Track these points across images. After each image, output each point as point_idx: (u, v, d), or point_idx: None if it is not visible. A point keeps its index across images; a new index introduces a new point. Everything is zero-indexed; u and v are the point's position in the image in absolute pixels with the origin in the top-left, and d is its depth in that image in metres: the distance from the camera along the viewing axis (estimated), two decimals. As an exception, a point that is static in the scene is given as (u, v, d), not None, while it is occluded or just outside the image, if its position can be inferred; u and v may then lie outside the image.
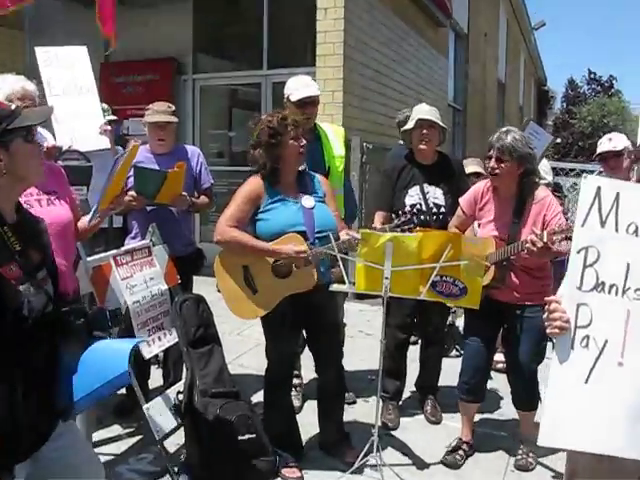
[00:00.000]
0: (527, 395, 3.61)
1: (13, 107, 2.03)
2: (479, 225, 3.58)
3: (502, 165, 3.37)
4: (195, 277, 4.35)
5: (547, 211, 3.37)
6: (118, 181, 3.09)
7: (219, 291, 3.45)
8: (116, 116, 5.81)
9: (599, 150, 3.97)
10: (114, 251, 3.50)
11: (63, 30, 7.60)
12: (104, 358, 2.18)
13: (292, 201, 3.34)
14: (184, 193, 3.93)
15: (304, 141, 3.36)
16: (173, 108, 4.14)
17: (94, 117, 4.40)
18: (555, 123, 34.65)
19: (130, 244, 3.82)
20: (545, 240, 3.06)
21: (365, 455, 3.35)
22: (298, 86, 4.03)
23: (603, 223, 1.85)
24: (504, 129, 3.53)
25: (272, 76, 8.64)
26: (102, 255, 3.44)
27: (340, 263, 3.08)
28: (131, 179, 3.76)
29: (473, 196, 3.63)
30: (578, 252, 1.88)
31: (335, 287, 3.22)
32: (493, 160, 3.39)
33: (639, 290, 1.85)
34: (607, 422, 1.89)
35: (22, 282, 1.90)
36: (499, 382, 4.34)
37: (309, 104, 3.99)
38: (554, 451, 3.78)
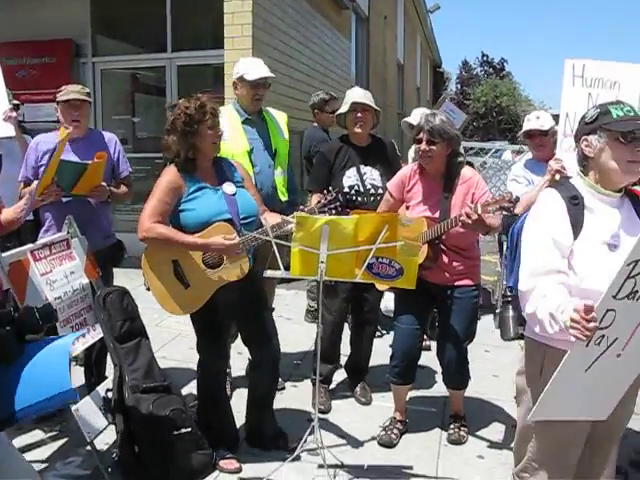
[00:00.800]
0: (458, 374, 3.69)
1: None
2: (407, 208, 3.61)
3: (433, 147, 3.41)
4: (115, 269, 4.18)
5: (476, 189, 3.46)
6: (50, 171, 2.92)
7: (148, 289, 3.29)
8: (18, 101, 5.46)
9: (527, 127, 4.03)
10: (30, 245, 3.30)
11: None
12: (46, 370, 2.04)
13: (213, 189, 3.24)
14: (103, 183, 3.76)
15: (221, 130, 3.26)
16: (87, 90, 3.93)
17: None
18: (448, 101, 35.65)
19: (45, 238, 3.60)
20: (480, 212, 3.13)
21: (305, 440, 3.33)
22: (253, 66, 4.03)
23: None
24: (429, 112, 3.59)
25: (177, 59, 8.38)
26: (18, 250, 3.23)
27: (275, 248, 3.02)
28: (42, 169, 3.54)
29: (400, 180, 3.65)
30: (628, 265, 1.87)
31: (269, 273, 3.16)
32: (424, 143, 3.42)
33: None
34: (588, 395, 2.05)
35: None
36: (427, 360, 4.42)
37: (262, 85, 3.99)
38: (486, 425, 3.92)
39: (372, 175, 4.04)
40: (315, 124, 5.94)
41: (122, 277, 4.22)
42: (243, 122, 4.02)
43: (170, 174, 3.21)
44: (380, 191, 3.99)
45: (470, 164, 6.51)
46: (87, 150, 3.75)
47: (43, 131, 4.14)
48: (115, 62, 8.95)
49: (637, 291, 1.91)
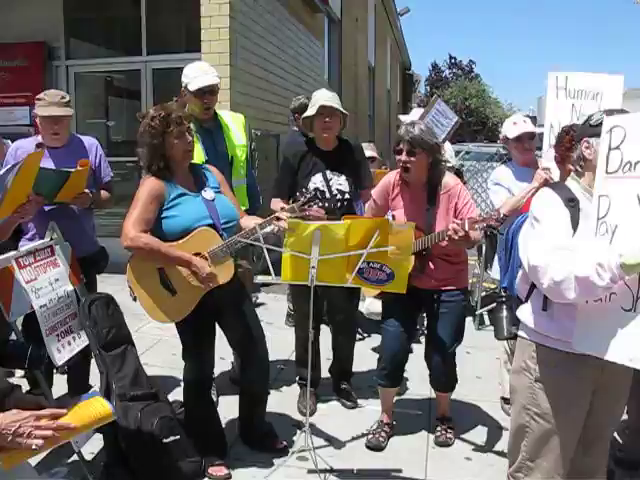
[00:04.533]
0: (446, 377, 3.72)
1: None
2: (393, 217, 3.62)
3: (413, 158, 3.42)
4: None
5: (458, 199, 3.48)
6: (21, 189, 2.87)
7: (135, 299, 3.25)
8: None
9: (519, 131, 3.96)
10: (14, 252, 3.24)
11: None
12: None
13: (193, 194, 3.23)
14: (86, 190, 3.71)
15: (190, 138, 3.21)
16: (67, 98, 3.84)
17: None
18: (420, 105, 35.90)
19: (28, 245, 3.55)
20: (467, 229, 3.15)
21: (293, 444, 3.34)
22: (196, 74, 3.88)
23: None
24: (409, 122, 3.59)
25: (152, 62, 8.25)
26: (2, 257, 3.16)
27: (265, 254, 3.02)
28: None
29: (384, 187, 3.66)
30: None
31: (260, 278, 3.18)
32: (404, 154, 3.43)
33: None
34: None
35: None
36: (410, 363, 4.44)
37: (208, 93, 3.88)
38: (471, 427, 3.96)
39: (339, 180, 3.99)
40: (295, 128, 5.92)
41: (100, 282, 4.16)
42: (196, 131, 3.77)
43: (151, 182, 3.18)
44: (347, 196, 3.98)
45: (459, 172, 6.55)
46: (66, 157, 3.70)
47: (15, 135, 4.08)
48: (89, 65, 8.81)
49: (630, 162, 2.00)
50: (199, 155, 3.82)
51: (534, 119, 4.49)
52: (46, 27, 8.44)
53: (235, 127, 4.14)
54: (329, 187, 3.96)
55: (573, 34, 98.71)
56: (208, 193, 3.27)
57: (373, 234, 3.01)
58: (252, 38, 8.22)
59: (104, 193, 4.00)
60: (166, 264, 3.16)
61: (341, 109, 3.97)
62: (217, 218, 3.22)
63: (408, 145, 3.40)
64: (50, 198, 3.56)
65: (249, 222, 3.28)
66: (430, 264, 3.51)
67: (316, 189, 3.69)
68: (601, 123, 2.18)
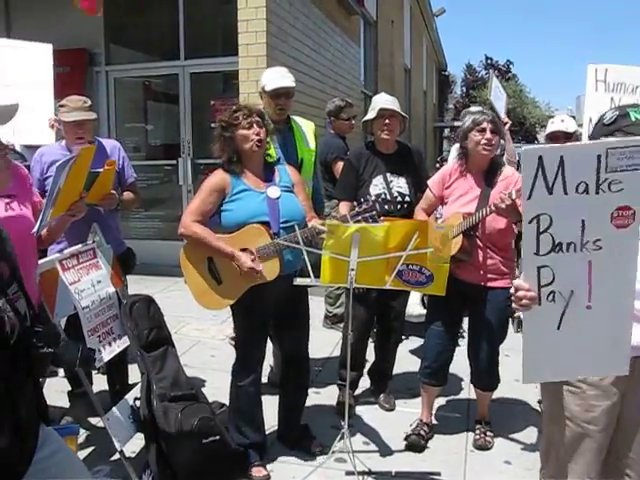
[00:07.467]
0: (489, 376, 3.70)
1: None
2: (445, 204, 3.66)
3: (497, 137, 3.52)
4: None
5: (515, 186, 3.43)
6: (74, 186, 2.91)
7: (186, 282, 3.39)
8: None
9: (552, 129, 4.03)
10: (57, 255, 3.31)
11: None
12: None
13: (257, 191, 3.31)
14: (113, 191, 3.76)
15: (257, 129, 3.31)
16: (89, 103, 3.90)
17: (42, 112, 4.18)
18: (456, 106, 35.72)
19: (55, 248, 3.62)
20: (514, 197, 3.14)
21: (331, 446, 3.35)
22: (274, 76, 4.03)
23: (550, 190, 1.84)
24: (473, 109, 3.63)
25: (190, 66, 8.38)
26: (46, 260, 3.24)
27: (305, 256, 3.05)
28: (49, 180, 3.52)
29: (442, 177, 3.69)
30: (530, 222, 1.87)
31: (299, 281, 3.19)
32: (489, 132, 3.48)
33: (598, 241, 1.88)
34: (583, 351, 2.00)
35: None
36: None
37: (283, 95, 3.98)
38: (510, 430, 3.92)
39: (399, 183, 4.02)
40: (331, 131, 5.93)
41: (136, 284, 4.22)
42: (270, 131, 4.01)
43: (217, 176, 3.35)
44: (407, 199, 4.00)
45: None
46: (92, 160, 3.75)
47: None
48: (128, 70, 8.95)
49: (561, 243, 1.89)
50: (271, 154, 3.88)
51: (573, 119, 4.44)
52: (87, 34, 8.62)
53: (306, 132, 4.22)
54: (390, 190, 3.99)
55: (619, 43, 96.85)
56: (274, 191, 3.33)
57: (412, 236, 3.00)
58: (289, 41, 8.26)
59: (129, 194, 4.05)
60: (214, 254, 3.28)
61: (401, 112, 4.02)
62: (276, 217, 3.27)
63: (492, 124, 3.48)
64: None
65: (314, 224, 3.32)
66: (479, 253, 3.49)
67: (377, 195, 3.71)
68: (615, 121, 2.15)
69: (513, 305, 1.96)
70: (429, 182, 3.77)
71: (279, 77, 4.02)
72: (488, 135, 3.48)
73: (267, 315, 3.46)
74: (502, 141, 4.17)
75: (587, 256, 1.89)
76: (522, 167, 1.84)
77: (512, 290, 1.94)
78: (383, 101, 4.03)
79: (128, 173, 4.09)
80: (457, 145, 3.82)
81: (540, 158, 1.82)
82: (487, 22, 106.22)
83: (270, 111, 3.98)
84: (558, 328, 1.95)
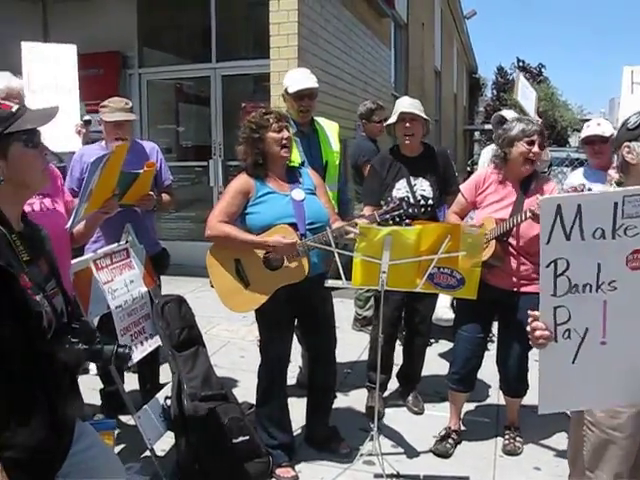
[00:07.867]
0: (518, 382, 3.67)
1: (15, 108, 1.88)
2: (477, 208, 3.64)
3: (543, 152, 3.52)
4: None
5: (551, 194, 3.40)
6: (108, 183, 2.95)
7: (212, 286, 3.40)
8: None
9: (587, 133, 3.95)
10: (91, 254, 3.36)
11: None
12: None
13: (281, 194, 3.33)
14: (151, 192, 3.80)
15: (287, 133, 3.33)
16: (130, 104, 3.97)
17: (68, 118, 4.22)
18: (486, 109, 35.41)
19: (91, 248, 3.66)
20: None
21: (359, 448, 3.35)
22: (297, 78, 4.05)
23: (568, 237, 1.89)
24: (516, 117, 3.60)
25: (221, 69, 8.45)
26: (81, 259, 3.30)
27: (336, 258, 3.06)
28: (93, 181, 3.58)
29: (475, 183, 3.66)
30: (547, 266, 1.95)
31: (330, 283, 3.20)
32: (537, 145, 3.44)
33: (613, 282, 1.91)
34: (599, 383, 2.01)
35: (35, 294, 1.79)
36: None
37: (306, 96, 3.99)
38: (539, 436, 3.88)
39: (422, 186, 4.00)
40: (363, 133, 5.93)
41: (167, 284, 4.26)
42: (294, 134, 3.95)
43: (242, 179, 3.36)
44: (430, 202, 3.98)
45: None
46: (131, 161, 3.80)
47: (95, 141, 4.23)
48: (161, 73, 9.07)
49: (577, 285, 1.92)
50: (295, 157, 3.91)
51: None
52: (121, 37, 8.75)
53: (330, 134, 4.23)
54: (413, 193, 3.98)
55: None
56: (298, 193, 3.35)
57: (444, 239, 3.00)
58: (320, 44, 8.28)
59: (166, 196, 4.10)
60: (243, 255, 3.28)
61: (422, 115, 3.99)
62: (302, 219, 3.29)
63: (540, 137, 3.44)
64: (118, 199, 3.67)
65: (338, 226, 3.33)
66: (511, 260, 3.46)
67: (402, 199, 3.71)
68: (639, 125, 2.14)
69: (530, 342, 1.99)
70: (461, 187, 3.75)
71: (302, 78, 4.03)
72: (536, 149, 3.43)
73: (292, 317, 3.48)
74: None
75: (602, 296, 1.92)
76: (541, 214, 1.89)
77: (529, 328, 1.98)
78: (404, 105, 4.00)
79: (165, 175, 4.14)
80: (488, 148, 3.79)
81: (559, 207, 1.86)
82: (519, 26, 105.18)
83: (294, 113, 4.00)
84: (573, 362, 1.98)
